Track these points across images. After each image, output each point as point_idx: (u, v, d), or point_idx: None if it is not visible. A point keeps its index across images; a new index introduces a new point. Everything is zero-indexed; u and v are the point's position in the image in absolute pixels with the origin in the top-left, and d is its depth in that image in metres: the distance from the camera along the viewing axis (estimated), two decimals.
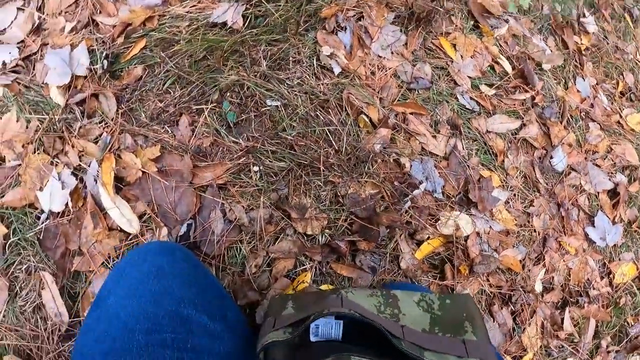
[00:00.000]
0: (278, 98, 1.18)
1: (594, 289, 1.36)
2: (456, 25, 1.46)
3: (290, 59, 1.23)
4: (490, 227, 1.25)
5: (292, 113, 1.17)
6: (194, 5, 1.27)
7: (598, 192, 1.46)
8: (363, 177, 1.15)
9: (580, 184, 1.44)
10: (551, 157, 1.41)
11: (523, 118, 1.41)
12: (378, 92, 1.26)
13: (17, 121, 1.13)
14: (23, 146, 1.11)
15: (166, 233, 1.06)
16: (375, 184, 1.15)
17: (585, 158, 1.48)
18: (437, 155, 1.26)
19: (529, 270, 1.28)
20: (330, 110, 1.19)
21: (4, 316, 1.03)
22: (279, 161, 1.13)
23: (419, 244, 1.17)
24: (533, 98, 1.46)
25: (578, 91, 1.57)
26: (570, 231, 1.37)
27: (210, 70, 1.18)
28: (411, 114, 1.25)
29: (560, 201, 1.38)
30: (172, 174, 1.09)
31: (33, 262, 1.05)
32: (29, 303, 1.04)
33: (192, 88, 1.17)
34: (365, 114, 1.20)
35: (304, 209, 1.10)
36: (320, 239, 1.11)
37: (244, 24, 1.23)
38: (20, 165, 1.09)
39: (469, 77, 1.40)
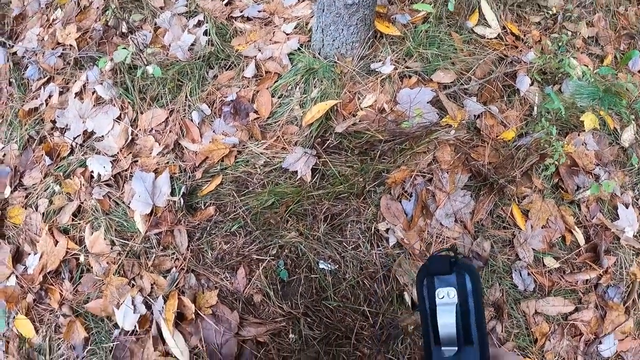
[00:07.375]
0: (330, 262, 1.24)
1: None
2: (535, 187, 1.39)
3: (350, 221, 1.27)
4: None
5: (341, 278, 1.24)
6: (271, 146, 1.32)
7: None
8: (389, 353, 1.22)
9: None
10: (600, 343, 1.38)
11: (581, 299, 1.37)
12: None
13: (104, 239, 1.30)
14: (107, 263, 1.29)
15: None
16: None
17: None
18: None
19: None
20: (376, 281, 1.24)
21: None
22: (314, 330, 1.22)
23: None
24: (599, 277, 1.39)
25: None
26: None
27: (274, 224, 1.26)
28: None
29: None
30: (223, 321, 1.23)
31: None
32: None
33: (254, 238, 1.26)
34: (408, 293, 1.24)
35: None
36: None
37: (312, 179, 1.27)
38: (103, 281, 1.28)
39: (534, 250, 1.35)
